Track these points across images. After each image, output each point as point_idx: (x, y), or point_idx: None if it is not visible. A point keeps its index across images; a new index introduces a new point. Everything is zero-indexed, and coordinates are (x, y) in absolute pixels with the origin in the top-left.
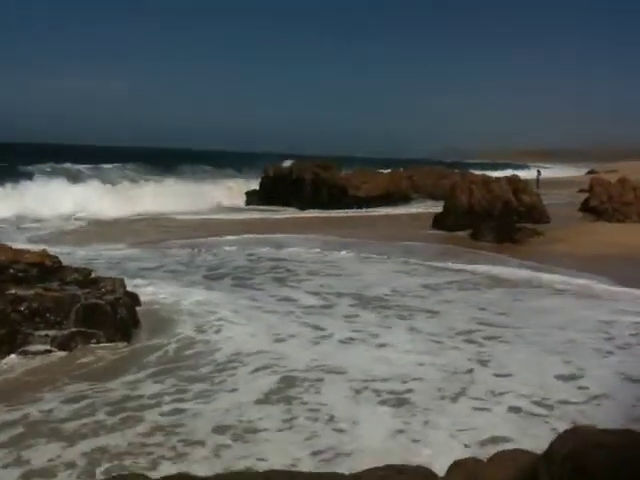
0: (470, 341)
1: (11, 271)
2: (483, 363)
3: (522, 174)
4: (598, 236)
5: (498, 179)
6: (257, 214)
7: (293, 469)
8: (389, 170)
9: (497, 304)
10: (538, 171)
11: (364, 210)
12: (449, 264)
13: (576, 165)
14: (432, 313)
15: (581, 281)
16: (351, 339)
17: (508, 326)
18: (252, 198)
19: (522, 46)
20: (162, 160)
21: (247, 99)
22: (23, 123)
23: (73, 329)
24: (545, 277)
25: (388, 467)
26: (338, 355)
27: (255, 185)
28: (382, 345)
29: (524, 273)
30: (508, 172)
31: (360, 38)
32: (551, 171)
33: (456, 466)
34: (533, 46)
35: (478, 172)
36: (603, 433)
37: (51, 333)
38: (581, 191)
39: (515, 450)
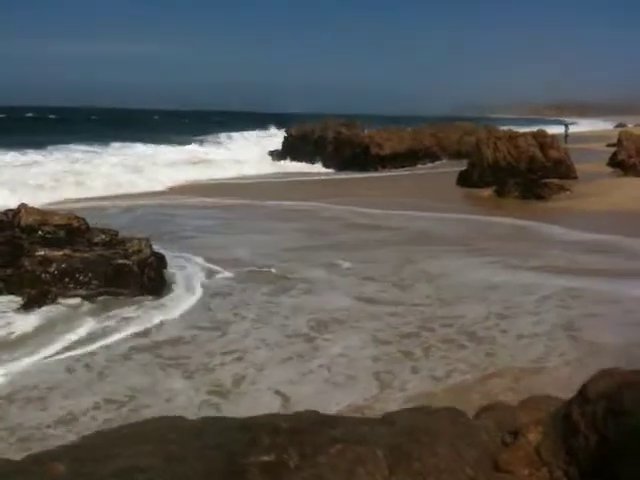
0: (311, 341)
1: (40, 233)
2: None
3: (550, 130)
4: (624, 191)
5: (524, 134)
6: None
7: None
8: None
9: (397, 271)
10: (566, 125)
11: (386, 171)
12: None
13: (605, 119)
14: (310, 284)
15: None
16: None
17: (396, 302)
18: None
19: None
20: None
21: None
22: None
23: (101, 289)
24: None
25: (418, 408)
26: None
27: None
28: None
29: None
30: (535, 128)
31: None
32: (579, 126)
33: (486, 409)
34: None
35: (504, 128)
36: (634, 374)
37: (80, 293)
38: (609, 145)
39: (544, 396)
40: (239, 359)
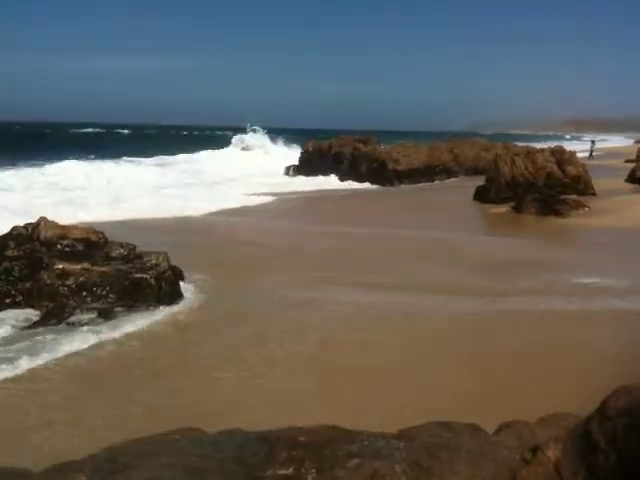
0: None
1: (59, 247)
2: None
3: (568, 147)
4: None
5: (542, 150)
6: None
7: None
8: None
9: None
10: (592, 141)
11: (402, 186)
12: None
13: (624, 135)
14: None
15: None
16: None
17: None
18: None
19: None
20: None
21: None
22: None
23: (118, 303)
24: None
25: (438, 423)
26: None
27: None
28: None
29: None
30: (553, 144)
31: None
32: (598, 142)
33: (506, 426)
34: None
35: (522, 144)
36: None
37: (97, 306)
38: (627, 161)
39: (562, 413)
40: None
